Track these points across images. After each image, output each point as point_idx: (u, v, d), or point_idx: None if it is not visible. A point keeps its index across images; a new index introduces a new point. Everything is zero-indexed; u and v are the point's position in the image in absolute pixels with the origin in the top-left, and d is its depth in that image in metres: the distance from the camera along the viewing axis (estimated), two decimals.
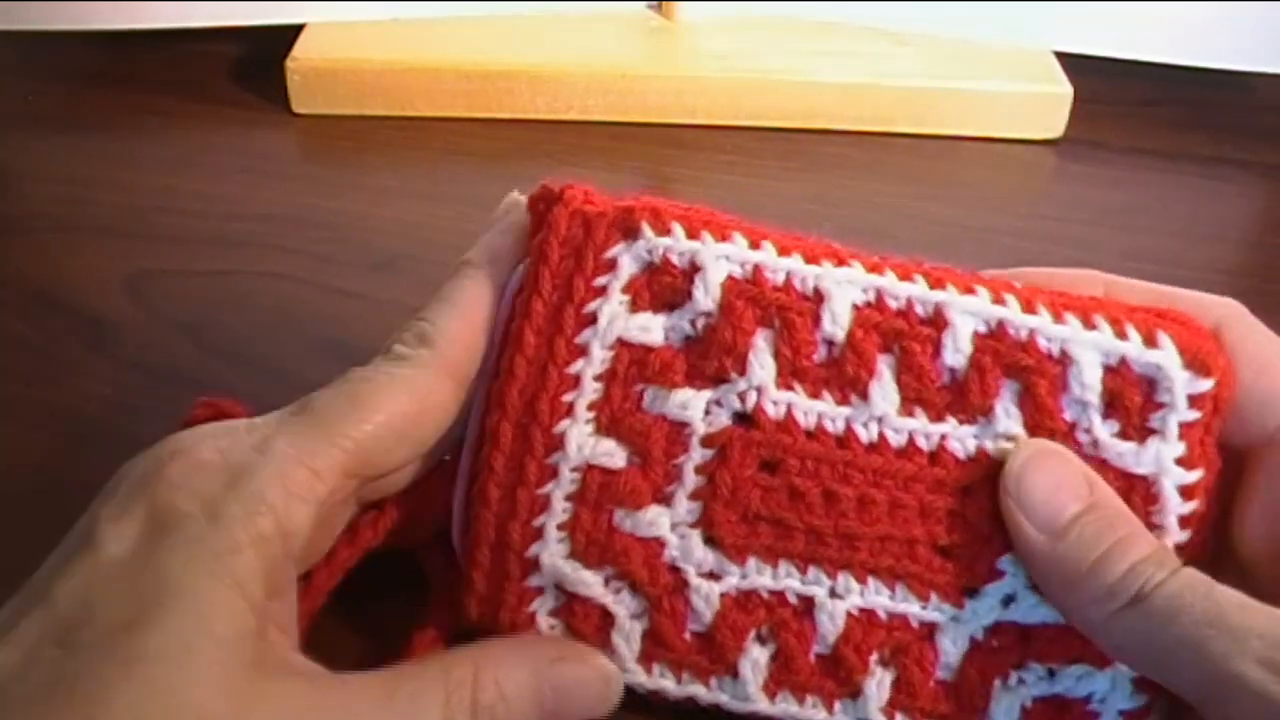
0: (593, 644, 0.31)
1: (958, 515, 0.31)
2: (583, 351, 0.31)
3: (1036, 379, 0.30)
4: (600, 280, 0.31)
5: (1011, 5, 0.58)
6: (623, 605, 0.31)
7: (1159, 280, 0.33)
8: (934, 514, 0.31)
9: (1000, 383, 0.30)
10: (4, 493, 0.39)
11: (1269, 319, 0.32)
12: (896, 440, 0.31)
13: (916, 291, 0.31)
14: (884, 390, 0.31)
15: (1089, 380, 0.30)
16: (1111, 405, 0.30)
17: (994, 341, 0.30)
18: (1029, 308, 0.31)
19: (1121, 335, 0.30)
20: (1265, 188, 0.56)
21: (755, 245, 0.31)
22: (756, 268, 0.31)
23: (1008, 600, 0.31)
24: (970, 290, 0.31)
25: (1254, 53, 0.58)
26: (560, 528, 0.31)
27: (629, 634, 0.31)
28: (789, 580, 0.31)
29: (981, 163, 0.56)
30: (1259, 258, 0.53)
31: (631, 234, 0.31)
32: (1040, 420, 0.30)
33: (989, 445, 0.31)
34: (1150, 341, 0.30)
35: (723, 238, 0.31)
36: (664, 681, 0.32)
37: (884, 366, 0.31)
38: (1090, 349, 0.30)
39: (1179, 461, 0.30)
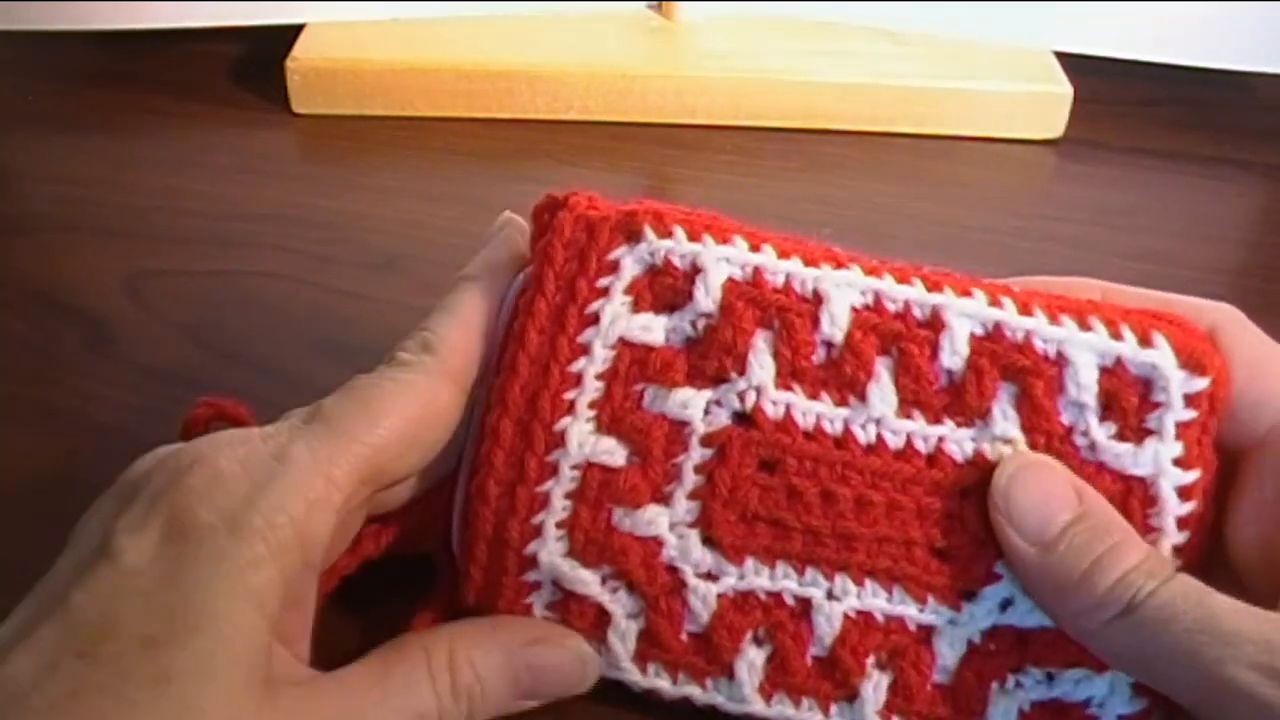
0: (590, 641, 0.32)
1: (955, 518, 0.31)
2: (585, 350, 0.31)
3: (1033, 380, 0.30)
4: (603, 281, 0.32)
5: (1011, 5, 0.58)
6: (619, 604, 0.32)
7: (1159, 280, 0.33)
8: (931, 516, 0.31)
9: (997, 385, 0.30)
10: (4, 492, 0.39)
11: (1269, 319, 0.32)
12: (894, 442, 0.31)
13: (914, 294, 0.31)
14: (882, 392, 0.31)
15: (1085, 381, 0.30)
16: (1108, 407, 0.30)
17: (991, 344, 0.30)
18: (1025, 310, 0.31)
19: (1117, 336, 0.30)
20: (1265, 188, 0.56)
21: (755, 248, 0.31)
22: (757, 270, 0.31)
23: (1005, 604, 0.31)
24: (967, 293, 0.31)
25: (1254, 53, 0.58)
26: (559, 525, 0.31)
27: (625, 633, 0.31)
28: (786, 581, 0.31)
29: (981, 163, 0.56)
30: (1259, 258, 0.53)
31: (634, 237, 0.32)
32: (1037, 423, 0.30)
33: (986, 448, 0.31)
34: (1145, 341, 0.30)
35: (723, 240, 0.31)
36: (659, 681, 0.32)
37: (882, 368, 0.31)
38: (1086, 350, 0.30)
39: (1177, 462, 0.30)
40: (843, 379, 0.31)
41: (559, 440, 0.31)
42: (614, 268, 0.32)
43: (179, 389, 0.41)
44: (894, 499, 0.31)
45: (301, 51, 0.56)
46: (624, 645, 0.31)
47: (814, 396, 0.31)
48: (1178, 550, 0.30)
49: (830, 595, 0.31)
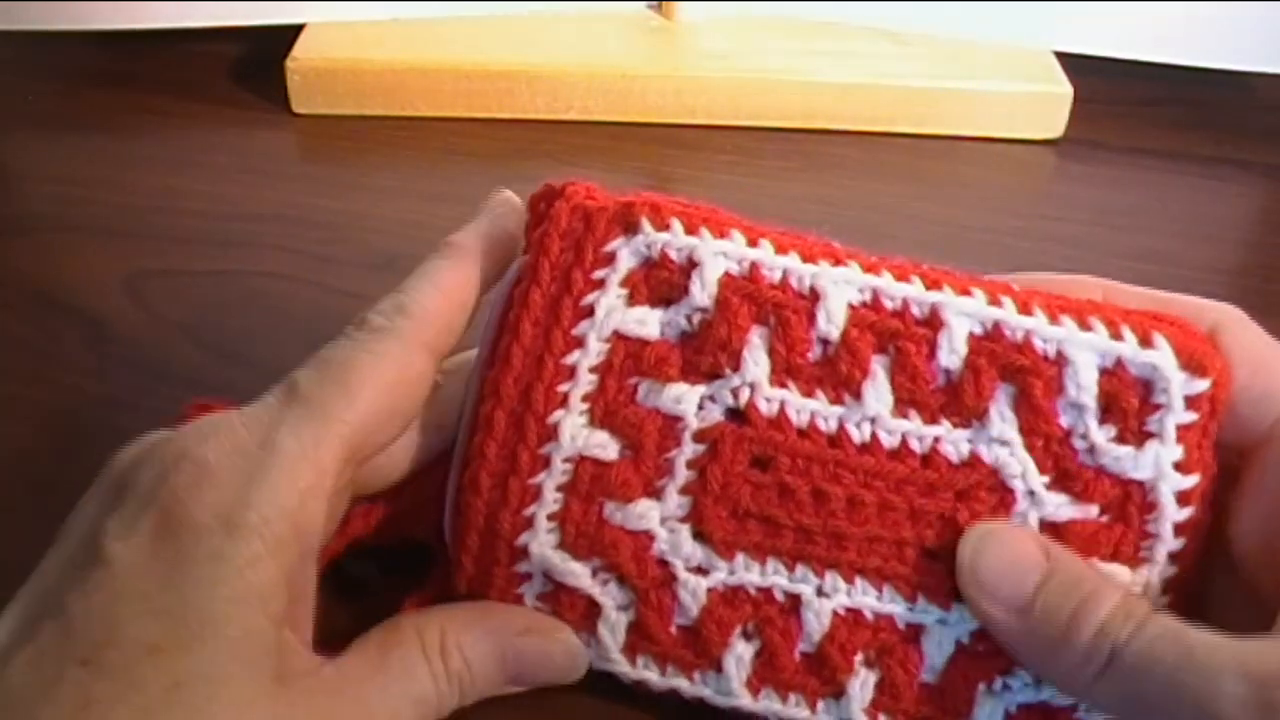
0: (580, 632, 0.32)
1: (948, 519, 0.31)
2: (579, 343, 0.31)
3: (1032, 380, 0.30)
4: (598, 273, 0.31)
5: (1011, 5, 0.58)
6: (610, 596, 0.32)
7: (1159, 280, 0.33)
8: (924, 517, 0.31)
9: (995, 385, 0.30)
10: (3, 492, 0.39)
11: (1269, 319, 0.32)
12: (889, 441, 0.31)
13: (912, 292, 0.31)
14: (877, 390, 0.31)
15: (1085, 382, 0.30)
16: (1108, 409, 0.30)
17: (990, 343, 0.30)
18: (1025, 309, 0.30)
19: (1117, 336, 0.30)
20: (1265, 188, 0.56)
21: (753, 243, 0.31)
22: (754, 265, 0.31)
23: None
24: (966, 292, 0.31)
25: (1254, 53, 0.58)
26: (550, 518, 0.31)
27: (615, 625, 0.32)
28: (776, 578, 0.31)
29: (981, 163, 0.56)
30: (1259, 258, 0.53)
31: (631, 229, 0.31)
32: (1036, 425, 0.30)
33: (983, 450, 0.30)
34: (1146, 342, 0.30)
35: (721, 235, 0.31)
36: (648, 673, 0.32)
37: (878, 367, 0.31)
38: (1086, 350, 0.30)
39: (1177, 466, 0.30)
40: (838, 377, 0.31)
41: (552, 433, 0.31)
42: (610, 260, 0.31)
43: (179, 389, 0.41)
44: (887, 499, 0.31)
45: (301, 51, 0.56)
46: (614, 637, 0.32)
47: (809, 394, 0.31)
48: (1173, 557, 0.30)
49: (820, 592, 0.31)
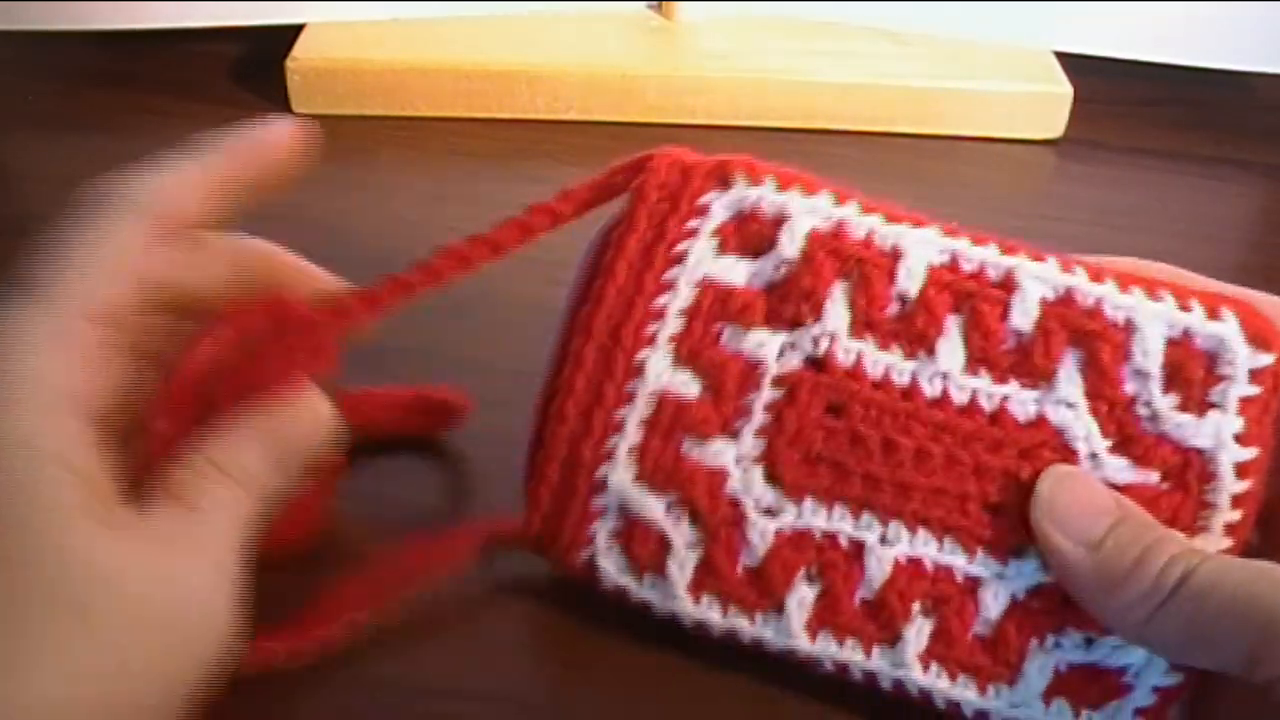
0: (648, 569, 0.33)
1: (1011, 476, 0.31)
2: (670, 287, 0.33)
3: (1100, 345, 0.31)
4: (692, 223, 0.33)
5: (1011, 5, 0.58)
6: (680, 534, 0.32)
7: None
8: (988, 473, 0.31)
9: (1064, 349, 0.31)
10: None
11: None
12: (959, 397, 0.32)
13: (989, 256, 0.32)
14: (951, 348, 0.32)
15: (1152, 349, 0.31)
16: (1172, 378, 0.31)
17: (1061, 308, 0.31)
18: (1096, 278, 0.31)
19: (1185, 308, 0.31)
20: (1265, 188, 0.56)
21: (840, 203, 0.33)
22: (840, 222, 0.32)
23: None
24: (1041, 259, 0.32)
25: (1254, 53, 0.58)
26: (630, 451, 0.32)
27: (684, 561, 0.32)
28: (842, 523, 0.32)
29: (981, 163, 0.56)
30: (1259, 258, 0.53)
31: (725, 183, 0.33)
32: (1101, 389, 0.31)
33: (1049, 411, 0.31)
34: (1213, 315, 0.31)
35: (811, 194, 0.33)
36: (710, 613, 0.32)
37: (952, 325, 0.32)
38: (1154, 319, 0.31)
39: (1237, 438, 0.31)
40: (914, 332, 0.32)
41: (638, 370, 0.32)
42: (704, 211, 0.33)
43: None
44: (953, 452, 0.31)
45: (301, 51, 0.56)
46: (681, 574, 0.32)
47: (885, 347, 0.32)
48: (1230, 528, 0.31)
49: (883, 540, 0.32)
